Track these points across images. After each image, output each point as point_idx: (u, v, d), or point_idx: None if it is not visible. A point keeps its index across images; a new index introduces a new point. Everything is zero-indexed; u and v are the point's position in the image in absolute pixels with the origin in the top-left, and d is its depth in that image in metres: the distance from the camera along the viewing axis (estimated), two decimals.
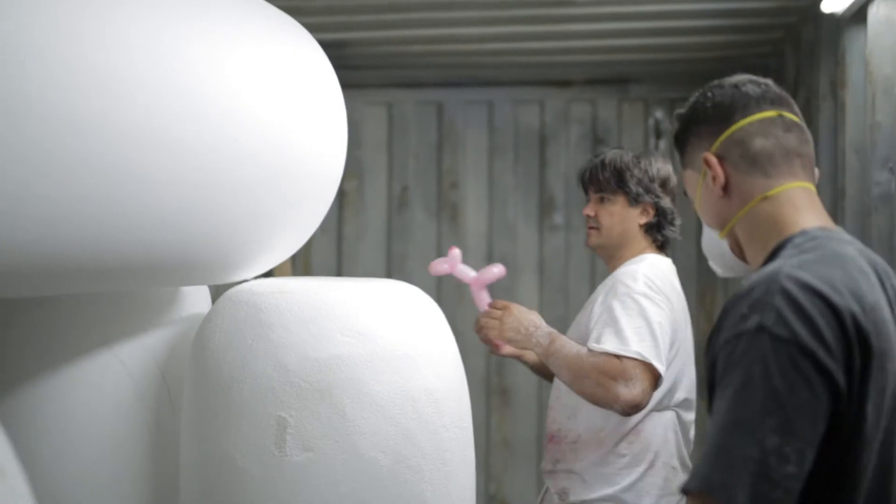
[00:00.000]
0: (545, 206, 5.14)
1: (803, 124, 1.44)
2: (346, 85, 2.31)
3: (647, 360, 2.29)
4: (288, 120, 1.95)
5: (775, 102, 1.41)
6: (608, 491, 2.43)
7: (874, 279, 1.30)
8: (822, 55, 3.63)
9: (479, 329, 2.52)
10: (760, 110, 1.41)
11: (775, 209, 1.37)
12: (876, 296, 1.27)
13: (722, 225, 1.45)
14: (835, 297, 1.21)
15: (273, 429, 1.83)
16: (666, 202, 2.54)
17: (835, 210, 3.55)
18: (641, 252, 2.52)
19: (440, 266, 2.63)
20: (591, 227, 2.57)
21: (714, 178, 1.41)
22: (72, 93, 1.39)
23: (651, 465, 2.44)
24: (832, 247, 1.30)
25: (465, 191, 5.19)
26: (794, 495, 1.16)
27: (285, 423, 1.83)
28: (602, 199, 2.54)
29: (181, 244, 1.78)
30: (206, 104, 1.70)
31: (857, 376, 1.21)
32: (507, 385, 5.11)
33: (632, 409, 2.30)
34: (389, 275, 5.04)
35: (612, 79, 5.08)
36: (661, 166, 2.56)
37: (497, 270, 2.60)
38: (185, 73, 1.65)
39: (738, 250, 1.46)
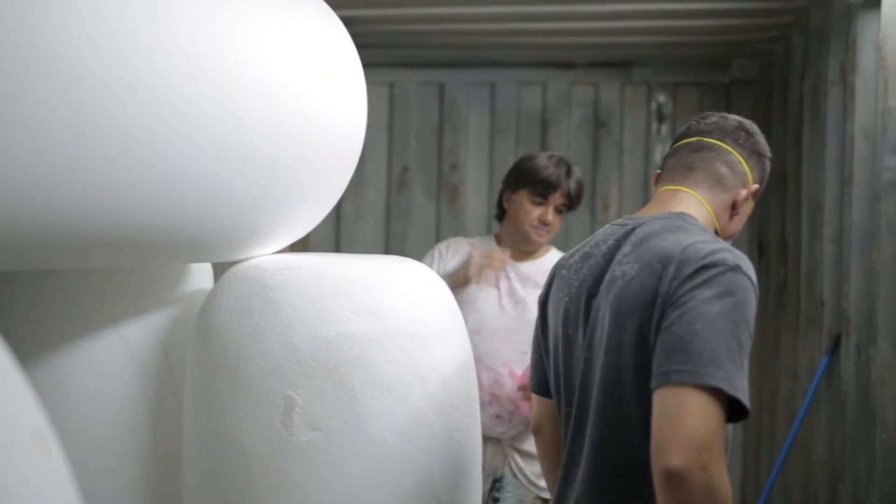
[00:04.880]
0: None
1: None
2: None
3: None
4: (305, 90, 1.89)
5: None
6: None
7: None
8: (831, 40, 3.59)
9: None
10: None
11: None
12: None
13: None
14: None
15: (280, 408, 1.80)
16: None
17: (841, 196, 3.51)
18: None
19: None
20: (544, 228, 3.15)
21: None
22: (89, 53, 1.34)
23: None
24: None
25: (466, 172, 5.15)
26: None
27: (293, 402, 1.80)
28: (561, 212, 3.17)
29: (194, 216, 1.72)
30: (219, 70, 1.64)
31: None
32: None
33: None
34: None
35: (616, 62, 5.04)
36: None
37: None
38: (206, 38, 1.59)
39: None
